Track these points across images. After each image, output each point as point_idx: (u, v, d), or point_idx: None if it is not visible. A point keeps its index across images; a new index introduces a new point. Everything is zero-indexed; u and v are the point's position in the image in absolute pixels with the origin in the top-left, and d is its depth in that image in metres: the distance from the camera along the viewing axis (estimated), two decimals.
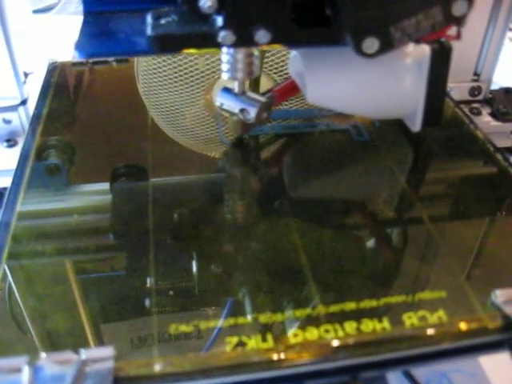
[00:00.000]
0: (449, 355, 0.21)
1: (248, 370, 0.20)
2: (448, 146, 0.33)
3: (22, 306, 0.23)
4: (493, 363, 0.29)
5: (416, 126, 0.30)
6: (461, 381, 0.28)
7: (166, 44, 0.24)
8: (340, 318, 0.22)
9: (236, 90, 0.30)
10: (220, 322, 0.22)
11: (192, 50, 0.40)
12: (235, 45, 0.24)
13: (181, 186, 0.30)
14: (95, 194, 0.30)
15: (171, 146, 0.33)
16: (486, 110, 0.41)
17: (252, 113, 0.30)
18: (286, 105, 0.36)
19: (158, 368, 0.20)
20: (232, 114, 0.31)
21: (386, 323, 0.22)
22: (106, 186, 0.30)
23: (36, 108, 0.34)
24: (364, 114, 0.32)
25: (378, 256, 0.26)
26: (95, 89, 0.39)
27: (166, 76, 0.38)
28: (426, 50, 0.28)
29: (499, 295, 0.22)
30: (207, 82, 0.38)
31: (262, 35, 0.24)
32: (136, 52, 0.27)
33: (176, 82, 0.38)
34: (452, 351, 0.21)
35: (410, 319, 0.22)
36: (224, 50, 0.28)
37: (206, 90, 0.37)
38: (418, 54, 0.28)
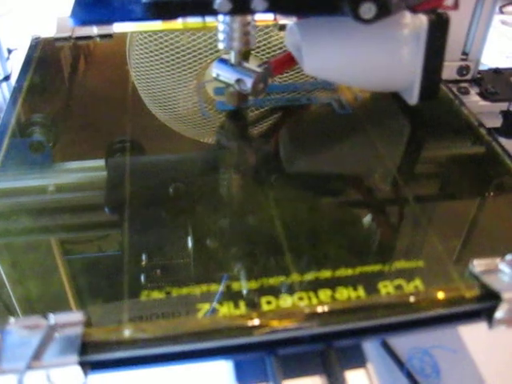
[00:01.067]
0: (425, 324, 0.21)
1: (219, 336, 0.20)
2: (432, 121, 0.33)
3: None
4: (475, 339, 0.29)
5: (413, 98, 0.30)
6: (443, 357, 0.28)
7: (162, 11, 0.24)
8: (315, 285, 0.22)
9: (232, 60, 0.30)
10: (192, 289, 0.22)
11: (178, 26, 0.41)
12: (231, 12, 0.24)
13: (163, 163, 0.30)
14: (71, 171, 0.30)
15: (154, 121, 0.33)
16: (474, 90, 0.41)
17: (248, 83, 0.30)
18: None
19: (127, 334, 0.20)
20: (228, 84, 0.31)
21: (361, 291, 0.21)
22: (86, 163, 0.30)
23: (17, 82, 0.34)
24: (361, 85, 0.32)
25: (356, 226, 0.26)
26: (78, 64, 0.38)
27: (158, 61, 0.38)
28: (423, 20, 0.28)
29: (477, 265, 0.22)
30: (199, 66, 0.38)
31: (258, 3, 0.23)
32: (131, 19, 0.26)
33: (168, 66, 0.38)
34: (428, 320, 0.21)
35: (386, 288, 0.22)
36: (220, 18, 0.28)
37: (198, 75, 0.37)
38: (415, 24, 0.28)
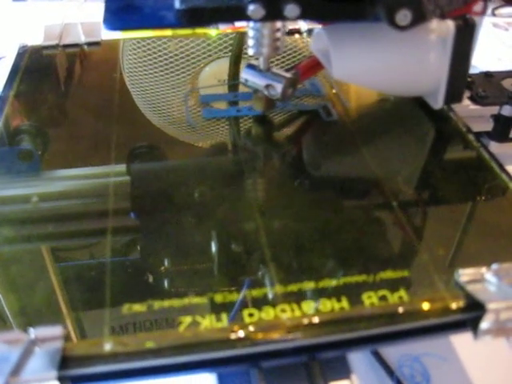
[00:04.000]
0: (410, 335, 0.21)
1: (201, 349, 0.20)
2: (419, 127, 0.33)
3: None
4: (465, 346, 0.28)
5: (438, 102, 0.30)
6: (433, 365, 0.28)
7: (195, 18, 0.24)
8: (298, 297, 0.21)
9: (261, 66, 0.30)
10: (174, 302, 0.21)
11: (168, 33, 0.41)
12: (264, 19, 0.24)
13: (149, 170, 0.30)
14: (60, 179, 0.29)
15: (141, 128, 0.33)
16: (465, 94, 0.40)
17: (278, 88, 0.30)
18: None
19: (107, 347, 0.19)
20: (256, 90, 0.31)
21: (344, 303, 0.21)
22: (74, 171, 0.29)
23: (4, 90, 0.34)
24: (387, 90, 0.32)
25: (340, 236, 0.25)
26: (66, 72, 0.38)
27: (150, 66, 0.38)
28: (450, 26, 0.28)
29: (462, 274, 0.22)
30: (193, 71, 0.38)
31: (291, 10, 0.23)
32: (163, 25, 0.27)
33: (161, 70, 0.38)
34: (413, 331, 0.21)
35: (370, 299, 0.21)
36: (250, 24, 0.28)
37: (192, 79, 0.37)
38: (442, 30, 0.28)
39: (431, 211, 0.27)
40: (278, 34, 0.28)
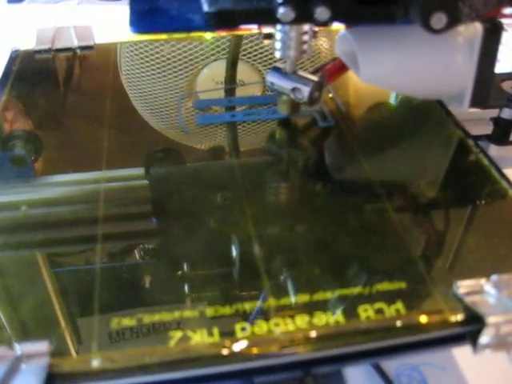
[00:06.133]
0: (407, 349, 0.20)
1: (192, 365, 0.19)
2: (417, 132, 0.32)
3: None
4: (465, 356, 0.28)
5: (464, 105, 0.30)
6: (432, 374, 0.27)
7: (224, 20, 0.24)
8: (292, 311, 0.21)
9: (287, 69, 0.30)
10: (164, 316, 0.21)
11: (163, 36, 0.40)
12: (294, 21, 0.24)
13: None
14: (54, 185, 0.29)
15: (135, 133, 0.32)
16: None
17: (305, 92, 0.30)
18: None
19: (95, 364, 0.19)
20: (281, 93, 0.31)
21: (339, 316, 0.21)
22: (68, 177, 0.29)
23: None
24: (414, 92, 0.32)
25: (335, 247, 0.25)
26: (58, 76, 0.38)
27: (148, 67, 0.38)
28: (478, 28, 0.27)
29: (461, 286, 0.21)
30: (190, 73, 0.37)
31: (321, 12, 0.23)
32: (191, 28, 0.27)
33: (159, 72, 0.38)
34: (410, 345, 0.20)
35: (366, 312, 0.21)
36: (277, 27, 0.28)
37: (190, 81, 0.37)
38: (469, 32, 0.28)
39: (429, 220, 0.27)
40: (306, 37, 0.28)
